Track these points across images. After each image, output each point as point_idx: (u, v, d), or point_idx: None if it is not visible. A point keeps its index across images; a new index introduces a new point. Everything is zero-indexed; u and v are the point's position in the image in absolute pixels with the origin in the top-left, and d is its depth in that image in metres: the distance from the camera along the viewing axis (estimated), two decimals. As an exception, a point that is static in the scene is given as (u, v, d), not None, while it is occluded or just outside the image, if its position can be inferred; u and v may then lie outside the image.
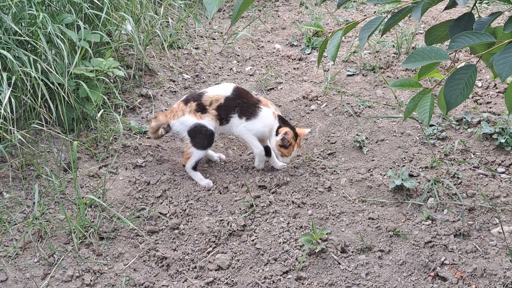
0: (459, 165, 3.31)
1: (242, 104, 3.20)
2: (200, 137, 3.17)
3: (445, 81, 1.87)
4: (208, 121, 3.18)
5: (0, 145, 3.04)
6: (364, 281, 2.58)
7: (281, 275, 2.61)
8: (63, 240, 2.79)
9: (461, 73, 1.84)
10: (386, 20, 2.10)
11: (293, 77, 4.41)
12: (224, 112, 3.20)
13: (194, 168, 3.22)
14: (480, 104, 3.89)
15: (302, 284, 2.57)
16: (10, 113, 2.98)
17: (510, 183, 3.14)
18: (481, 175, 3.21)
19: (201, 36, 5.01)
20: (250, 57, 4.71)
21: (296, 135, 3.22)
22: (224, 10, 5.65)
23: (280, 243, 2.79)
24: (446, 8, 2.11)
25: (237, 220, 2.93)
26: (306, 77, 4.38)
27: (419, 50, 1.87)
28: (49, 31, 3.26)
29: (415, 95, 1.97)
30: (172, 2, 4.86)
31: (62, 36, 3.35)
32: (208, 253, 2.76)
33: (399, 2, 2.06)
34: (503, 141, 3.38)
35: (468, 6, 2.24)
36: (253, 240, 2.82)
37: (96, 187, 3.10)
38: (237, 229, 2.87)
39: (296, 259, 2.69)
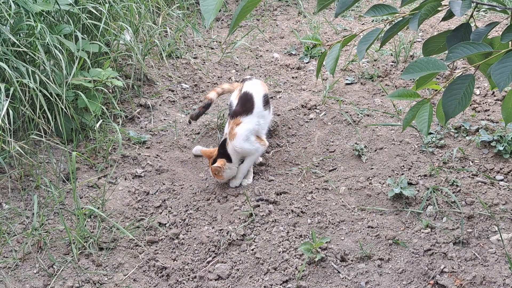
0: (457, 173, 3.31)
1: None
2: None
3: (444, 91, 1.88)
4: None
5: (-1, 156, 3.04)
6: (364, 290, 2.58)
7: (281, 284, 2.61)
8: (62, 251, 2.79)
9: (459, 83, 1.85)
10: (384, 30, 2.11)
11: (291, 86, 4.42)
12: None
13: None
14: (478, 111, 3.90)
15: (302, 293, 2.58)
16: (8, 124, 2.98)
17: (508, 190, 3.14)
18: (479, 183, 3.22)
19: (200, 46, 5.02)
20: (248, 66, 4.73)
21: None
22: (222, 20, 5.66)
23: (279, 252, 2.79)
24: (443, 19, 2.13)
25: (236, 229, 2.93)
26: (304, 86, 4.39)
27: (417, 61, 1.88)
28: (47, 42, 3.27)
29: (414, 105, 1.98)
30: (170, 12, 4.87)
31: (60, 47, 3.35)
32: (208, 262, 2.76)
33: (396, 13, 2.07)
34: (501, 148, 3.38)
35: (466, 14, 2.26)
36: (252, 250, 2.82)
37: (95, 198, 3.10)
38: (237, 239, 2.87)
39: (296, 268, 2.69)
